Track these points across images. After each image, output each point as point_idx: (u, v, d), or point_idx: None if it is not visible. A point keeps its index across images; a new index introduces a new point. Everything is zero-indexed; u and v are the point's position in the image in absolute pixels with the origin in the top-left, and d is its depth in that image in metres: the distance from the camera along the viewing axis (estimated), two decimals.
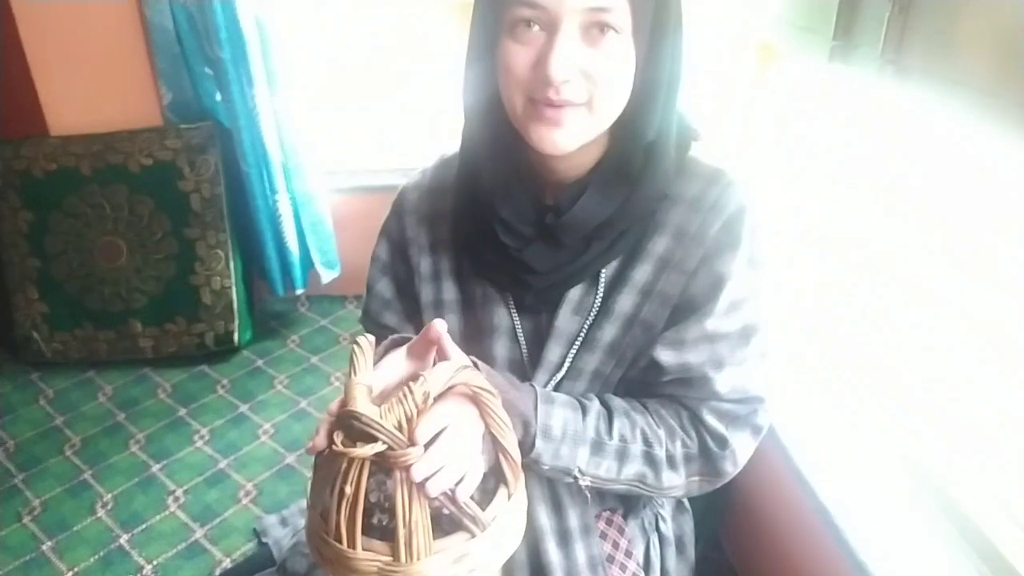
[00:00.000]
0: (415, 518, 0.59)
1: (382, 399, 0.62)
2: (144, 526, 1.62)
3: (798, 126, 1.42)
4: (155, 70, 2.03)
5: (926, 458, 0.93)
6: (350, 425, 0.57)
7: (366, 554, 0.61)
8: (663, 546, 0.99)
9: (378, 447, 0.56)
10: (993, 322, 0.91)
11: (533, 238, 0.80)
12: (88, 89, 2.06)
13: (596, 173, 0.78)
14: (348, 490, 0.59)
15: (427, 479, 0.59)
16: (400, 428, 0.57)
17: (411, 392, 0.57)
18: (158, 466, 1.79)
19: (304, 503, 1.63)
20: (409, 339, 0.73)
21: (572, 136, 0.72)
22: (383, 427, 0.55)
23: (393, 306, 0.94)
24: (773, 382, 0.86)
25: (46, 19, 1.97)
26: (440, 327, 0.69)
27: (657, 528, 0.99)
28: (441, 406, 0.63)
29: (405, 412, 0.56)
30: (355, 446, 0.57)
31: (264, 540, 1.54)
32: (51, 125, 2.10)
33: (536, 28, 0.68)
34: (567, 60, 0.67)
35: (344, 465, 0.59)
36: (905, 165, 1.09)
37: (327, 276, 2.23)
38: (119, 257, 2.10)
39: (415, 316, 0.91)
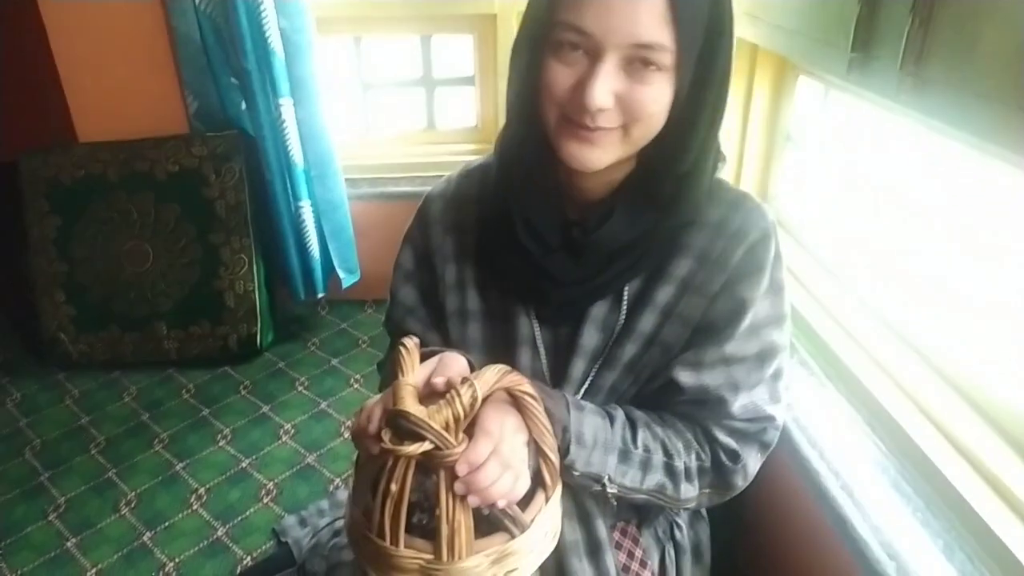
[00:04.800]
0: (458, 518, 0.62)
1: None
2: (167, 524, 1.65)
3: (817, 141, 1.44)
4: (181, 80, 2.07)
5: (948, 470, 0.94)
6: (398, 424, 0.59)
7: (408, 551, 0.63)
8: (679, 555, 1.00)
9: (426, 446, 0.59)
10: (1017, 330, 0.93)
11: (556, 248, 0.81)
12: (116, 98, 2.11)
13: (623, 194, 0.80)
14: (393, 488, 0.62)
15: (479, 489, 0.62)
16: (447, 428, 0.59)
17: (459, 395, 0.59)
18: (181, 465, 1.82)
19: (323, 503, 1.66)
20: (435, 352, 0.76)
21: (602, 156, 0.74)
22: (432, 427, 0.58)
23: (417, 313, 0.95)
24: (788, 399, 0.88)
25: (75, 29, 2.02)
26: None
27: (672, 537, 1.00)
28: (488, 419, 0.65)
29: (453, 413, 0.59)
30: (402, 445, 0.60)
31: (284, 540, 1.57)
32: (80, 132, 2.14)
33: (580, 52, 0.70)
34: (606, 90, 0.68)
35: (390, 464, 0.62)
36: (924, 178, 1.11)
37: (347, 281, 2.26)
38: (145, 262, 2.14)
39: (439, 324, 0.93)
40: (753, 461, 0.85)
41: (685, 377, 0.81)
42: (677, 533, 1.00)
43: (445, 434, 0.59)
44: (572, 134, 0.73)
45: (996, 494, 0.90)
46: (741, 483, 0.85)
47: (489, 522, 0.67)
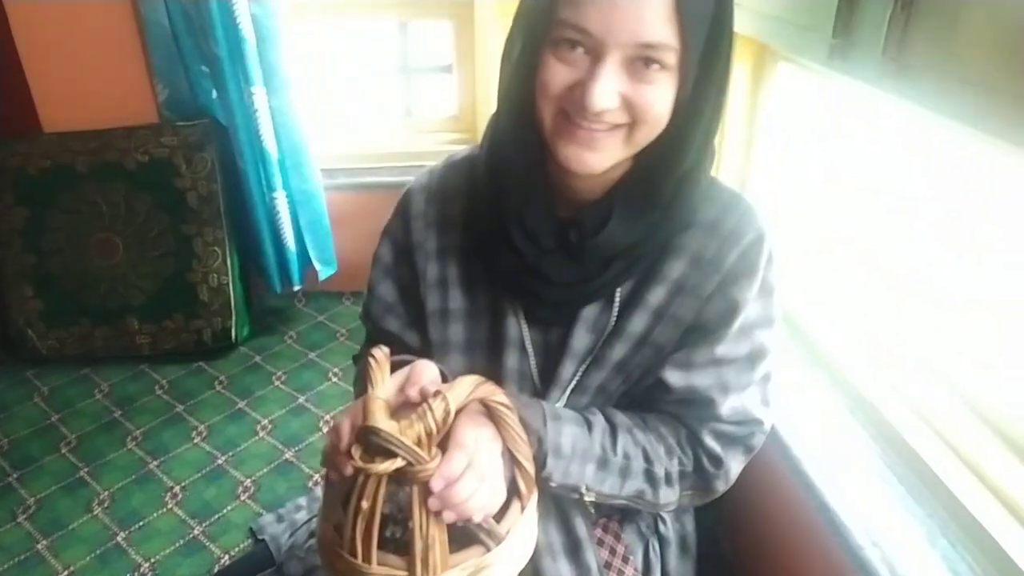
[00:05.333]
0: (432, 533, 0.60)
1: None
2: (142, 523, 1.62)
3: (798, 130, 1.42)
4: (150, 67, 2.02)
5: (931, 458, 0.94)
6: (369, 441, 0.57)
7: (382, 569, 0.62)
8: (663, 548, 0.99)
9: (398, 463, 0.57)
10: (994, 319, 0.93)
11: (552, 250, 0.79)
12: (82, 86, 2.05)
13: (621, 196, 0.77)
14: (364, 505, 0.59)
15: (455, 504, 0.60)
16: (420, 443, 0.57)
17: (431, 408, 0.57)
18: (155, 463, 1.79)
19: (301, 500, 1.64)
20: (406, 361, 0.74)
21: (603, 159, 0.71)
22: (404, 443, 0.56)
23: (396, 310, 0.93)
24: (775, 400, 0.87)
25: (38, 15, 1.95)
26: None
27: (657, 530, 0.99)
28: (462, 432, 0.63)
29: (425, 428, 0.57)
30: (374, 461, 0.57)
31: (261, 537, 1.55)
32: (45, 122, 2.08)
33: (580, 51, 0.67)
34: (609, 91, 0.66)
35: (361, 480, 0.59)
36: (908, 166, 1.10)
37: (324, 273, 2.22)
38: (116, 254, 2.09)
39: (419, 321, 0.91)
40: (736, 465, 0.84)
41: (674, 377, 0.80)
42: (661, 526, 0.99)
43: (418, 450, 0.57)
44: (571, 136, 0.70)
45: (979, 481, 0.90)
46: (722, 487, 0.85)
47: (464, 533, 0.65)
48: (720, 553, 1.32)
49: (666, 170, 0.74)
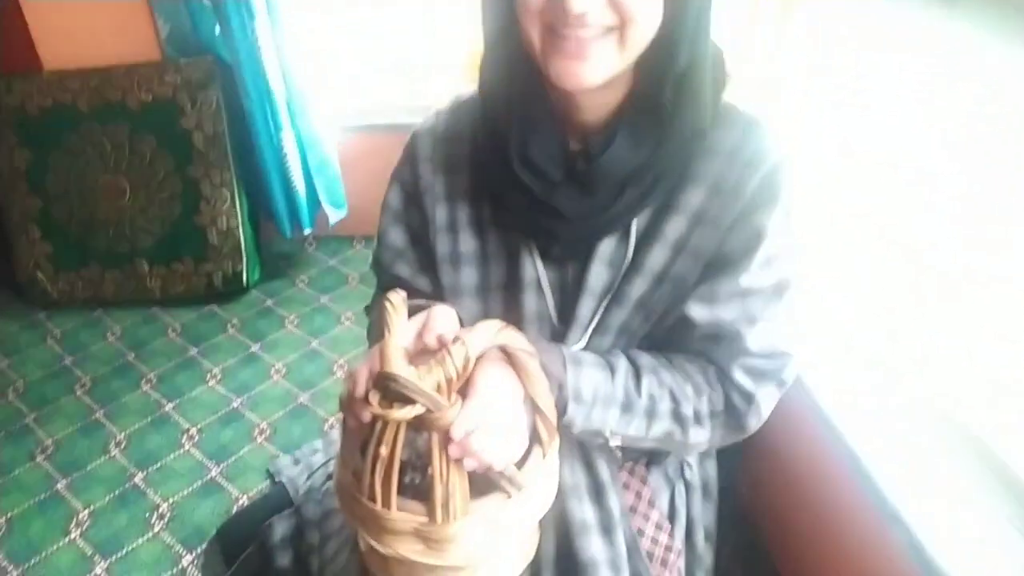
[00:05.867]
0: (452, 480, 0.58)
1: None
2: (159, 464, 1.64)
3: (831, 65, 1.36)
4: (151, 1, 1.95)
5: (956, 403, 0.93)
6: (387, 387, 0.55)
7: (401, 515, 0.60)
8: (688, 493, 0.99)
9: (417, 409, 0.55)
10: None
11: (560, 182, 0.76)
12: (81, 21, 1.99)
13: (625, 115, 0.74)
14: (384, 451, 0.58)
15: (476, 452, 0.59)
16: (439, 390, 0.55)
17: (451, 355, 0.55)
18: (171, 405, 1.80)
19: (317, 443, 1.64)
20: (422, 307, 0.72)
21: (597, 69, 0.67)
22: (423, 390, 0.54)
23: (406, 256, 0.91)
24: (802, 335, 0.84)
25: None
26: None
27: (683, 475, 0.98)
28: (482, 379, 0.61)
29: (445, 374, 0.55)
30: (392, 408, 0.55)
31: (278, 479, 1.56)
32: (44, 59, 2.03)
33: None
34: None
35: (379, 426, 0.58)
36: (954, 106, 1.04)
37: (334, 216, 2.19)
38: (122, 197, 2.06)
39: (429, 267, 0.89)
40: (768, 401, 0.82)
41: (698, 312, 0.77)
42: (687, 471, 0.98)
43: (437, 397, 0.55)
44: (560, 49, 0.66)
45: (1010, 424, 0.88)
46: (755, 424, 0.82)
47: (484, 480, 0.64)
48: (739, 500, 1.32)
49: (661, 69, 0.70)
